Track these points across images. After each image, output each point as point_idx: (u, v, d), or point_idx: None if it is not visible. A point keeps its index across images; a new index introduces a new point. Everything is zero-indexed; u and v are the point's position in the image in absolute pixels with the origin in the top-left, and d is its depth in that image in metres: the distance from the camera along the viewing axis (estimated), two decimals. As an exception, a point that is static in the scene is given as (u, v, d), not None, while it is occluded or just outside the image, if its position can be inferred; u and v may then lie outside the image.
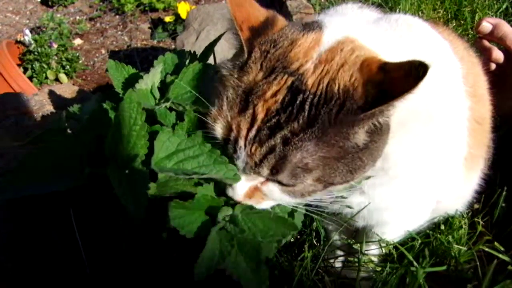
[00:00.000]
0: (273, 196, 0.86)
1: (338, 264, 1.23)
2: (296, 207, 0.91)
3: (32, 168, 0.78)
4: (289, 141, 0.76)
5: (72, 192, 0.77)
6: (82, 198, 0.78)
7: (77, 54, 2.62)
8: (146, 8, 3.07)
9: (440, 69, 0.94)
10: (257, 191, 0.86)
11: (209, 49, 1.00)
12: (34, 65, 2.43)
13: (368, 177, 0.93)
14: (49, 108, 1.36)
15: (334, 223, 1.23)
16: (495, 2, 2.35)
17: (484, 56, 1.46)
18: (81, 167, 0.74)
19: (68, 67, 2.49)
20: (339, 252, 1.26)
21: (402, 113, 0.81)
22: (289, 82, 0.78)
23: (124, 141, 0.75)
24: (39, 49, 2.46)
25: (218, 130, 0.82)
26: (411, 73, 0.70)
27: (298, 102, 0.77)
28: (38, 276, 0.84)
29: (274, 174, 0.79)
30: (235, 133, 0.80)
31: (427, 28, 1.01)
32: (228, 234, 0.82)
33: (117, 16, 3.13)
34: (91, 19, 3.13)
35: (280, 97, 0.78)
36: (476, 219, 1.31)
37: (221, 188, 0.85)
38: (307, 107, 0.76)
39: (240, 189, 0.85)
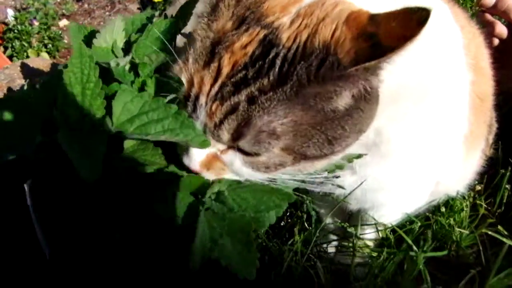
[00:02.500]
0: (233, 168, 0.75)
1: (331, 250, 1.16)
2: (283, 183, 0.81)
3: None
4: (256, 100, 0.66)
5: (26, 166, 0.68)
6: (37, 172, 0.69)
7: (60, 32, 2.52)
8: (136, -12, 2.98)
9: (438, 36, 0.86)
10: (216, 161, 0.75)
11: (186, 9, 0.89)
12: (14, 44, 2.33)
13: (359, 156, 0.84)
14: (20, 82, 1.27)
15: (326, 205, 1.17)
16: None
17: (487, 30, 1.39)
18: (34, 134, 0.65)
19: (50, 45, 2.39)
20: (332, 237, 1.19)
21: (394, 85, 0.73)
22: (261, 35, 0.69)
23: (77, 101, 0.66)
24: (19, 27, 2.35)
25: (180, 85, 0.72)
26: (412, 18, 0.61)
27: (270, 56, 0.67)
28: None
29: (235, 139, 0.69)
30: (196, 89, 0.70)
31: None
32: (216, 215, 0.73)
33: (105, -4, 3.05)
34: (78, 0, 3.04)
35: (250, 49, 0.68)
36: (478, 201, 1.24)
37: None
38: (278, 62, 0.66)
39: (197, 156, 0.74)
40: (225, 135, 0.69)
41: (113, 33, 0.81)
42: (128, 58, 0.82)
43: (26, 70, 1.33)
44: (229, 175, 0.78)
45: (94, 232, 0.70)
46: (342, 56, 0.64)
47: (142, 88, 0.77)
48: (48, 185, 0.69)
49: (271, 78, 0.66)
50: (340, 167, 0.83)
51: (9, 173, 0.68)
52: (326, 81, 0.65)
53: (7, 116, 0.68)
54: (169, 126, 0.69)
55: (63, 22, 2.83)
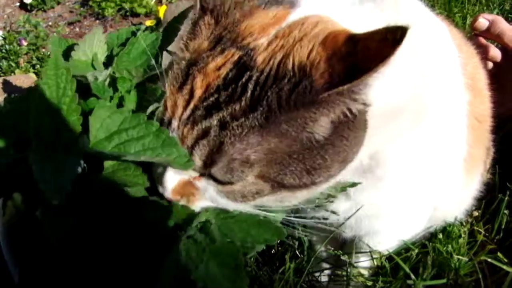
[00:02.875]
0: (206, 195, 0.71)
1: (324, 278, 1.11)
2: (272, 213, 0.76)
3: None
4: (227, 126, 0.62)
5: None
6: (9, 191, 0.64)
7: (49, 54, 2.48)
8: (128, 13, 2.96)
9: (435, 54, 0.83)
10: (188, 187, 0.71)
11: (173, 25, 0.85)
12: (1, 63, 2.29)
13: (353, 184, 0.80)
14: (0, 99, 1.22)
15: (318, 233, 1.12)
16: (485, 8, 2.31)
17: (481, 54, 1.38)
18: (6, 151, 0.60)
19: (38, 66, 2.35)
20: (325, 265, 1.14)
21: (389, 105, 0.69)
22: (236, 57, 0.65)
23: (51, 117, 0.61)
24: (7, 47, 2.32)
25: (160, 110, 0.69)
26: (386, 38, 0.56)
27: (243, 80, 0.63)
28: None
29: (207, 166, 0.65)
30: (170, 113, 0.67)
31: (422, 9, 0.89)
32: (197, 244, 0.68)
33: (97, 21, 3.02)
34: (70, 23, 3.01)
35: (223, 72, 0.64)
36: (476, 228, 1.20)
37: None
38: (251, 86, 0.62)
39: (170, 183, 0.70)
40: (197, 161, 0.65)
41: (93, 46, 0.77)
42: (107, 72, 0.78)
43: (8, 87, 1.29)
44: (203, 202, 0.73)
45: (67, 255, 0.64)
46: (316, 78, 0.60)
47: (120, 104, 0.72)
48: (18, 203, 0.64)
49: (242, 103, 0.62)
50: (332, 196, 0.79)
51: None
52: (298, 107, 0.61)
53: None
54: (149, 145, 0.65)
55: (53, 45, 2.81)
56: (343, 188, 0.79)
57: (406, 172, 0.85)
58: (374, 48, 0.57)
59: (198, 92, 0.64)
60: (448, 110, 0.87)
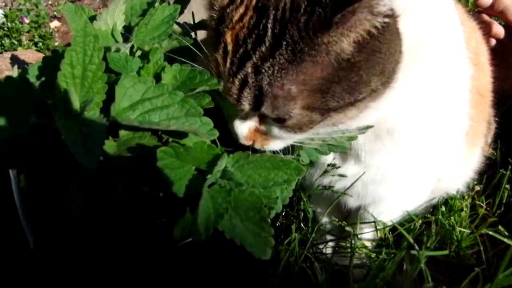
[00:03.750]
0: (273, 134, 0.76)
1: (328, 250, 1.13)
2: None
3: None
4: (260, 69, 0.66)
5: (15, 151, 0.64)
6: (26, 158, 0.65)
7: (51, 31, 2.47)
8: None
9: (441, 26, 0.84)
10: (258, 133, 0.77)
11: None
12: (3, 41, 2.28)
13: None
14: (8, 73, 1.22)
15: (323, 203, 1.14)
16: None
17: (484, 31, 1.38)
18: (27, 117, 0.61)
19: (40, 44, 2.34)
20: (330, 237, 1.16)
21: (411, 40, 0.71)
22: (254, 2, 0.68)
23: (77, 84, 0.62)
24: (9, 25, 2.31)
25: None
26: None
27: (264, 22, 0.66)
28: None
29: (256, 109, 0.69)
30: (215, 72, 0.71)
31: None
32: (222, 190, 0.69)
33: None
34: (71, 1, 2.99)
35: (246, 20, 0.67)
36: (477, 202, 1.22)
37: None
38: (270, 25, 0.65)
39: (239, 131, 0.76)
40: (246, 107, 0.70)
41: (114, 16, 0.78)
42: (130, 44, 0.79)
43: (16, 62, 1.29)
44: (275, 142, 0.78)
45: (83, 220, 0.66)
46: (326, 2, 0.62)
47: (156, 77, 0.73)
48: (37, 171, 0.65)
49: (267, 44, 0.65)
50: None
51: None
52: (317, 35, 0.63)
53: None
54: (174, 114, 0.66)
55: (54, 24, 2.79)
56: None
57: (417, 139, 0.88)
58: None
59: (230, 47, 0.68)
60: (452, 83, 0.88)
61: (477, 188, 1.25)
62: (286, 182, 0.71)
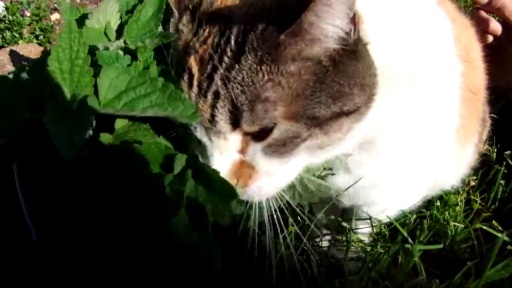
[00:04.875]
0: (260, 165, 0.72)
1: (325, 244, 1.14)
2: None
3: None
4: (229, 78, 0.66)
5: (14, 146, 0.66)
6: (25, 151, 0.67)
7: (52, 24, 2.48)
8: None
9: (425, 25, 0.85)
10: (243, 166, 0.72)
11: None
12: (4, 34, 2.28)
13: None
14: (9, 68, 1.24)
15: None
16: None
17: (481, 27, 1.39)
18: (22, 112, 0.63)
19: (41, 37, 2.35)
20: (326, 231, 1.17)
21: (384, 65, 0.73)
22: (217, 26, 0.70)
23: (66, 78, 0.64)
24: (10, 18, 2.32)
25: None
26: None
27: (226, 34, 0.68)
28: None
29: (235, 124, 0.67)
30: (188, 97, 0.71)
31: None
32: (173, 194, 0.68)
33: (98, -8, 3.01)
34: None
35: (210, 41, 0.69)
36: (472, 197, 1.24)
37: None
38: (233, 37, 0.67)
39: (220, 166, 0.71)
40: (224, 126, 0.68)
41: (106, 14, 0.79)
42: (120, 42, 0.80)
43: (16, 57, 1.30)
44: (261, 180, 0.74)
45: (82, 212, 0.68)
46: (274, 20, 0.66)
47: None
48: (36, 164, 0.67)
49: (229, 53, 0.66)
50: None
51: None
52: (272, 50, 0.65)
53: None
54: (156, 101, 0.67)
55: (55, 16, 2.79)
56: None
57: (402, 143, 0.88)
58: None
59: (195, 69, 0.69)
60: (440, 80, 0.88)
61: (473, 183, 1.27)
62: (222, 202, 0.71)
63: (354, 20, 0.66)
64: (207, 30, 0.70)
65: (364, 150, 0.84)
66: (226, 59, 0.66)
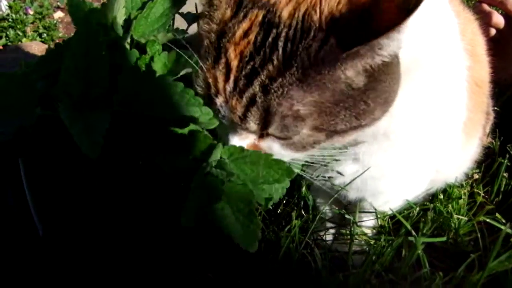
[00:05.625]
0: (273, 152, 0.75)
1: (329, 237, 1.15)
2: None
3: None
4: (269, 88, 0.65)
5: (22, 141, 0.66)
6: (33, 147, 0.67)
7: (55, 22, 2.49)
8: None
9: (435, 18, 0.85)
10: (256, 148, 0.75)
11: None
12: (8, 33, 2.29)
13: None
14: (14, 65, 1.24)
15: (323, 194, 1.16)
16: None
17: (484, 21, 1.39)
18: (32, 109, 0.63)
19: (45, 35, 2.36)
20: (330, 224, 1.18)
21: (407, 60, 0.72)
22: (260, 17, 0.66)
23: (80, 74, 0.64)
24: (14, 16, 2.32)
25: (199, 87, 0.71)
26: (402, 5, 0.58)
27: (270, 39, 0.64)
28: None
29: (263, 128, 0.69)
30: (213, 88, 0.69)
31: None
32: (215, 179, 0.71)
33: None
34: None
35: (252, 36, 0.66)
36: (476, 190, 1.24)
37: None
38: (281, 43, 0.64)
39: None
40: (253, 126, 0.69)
41: (113, 10, 0.79)
42: (127, 36, 0.80)
43: (21, 54, 1.31)
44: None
45: (89, 208, 0.68)
46: (338, 34, 0.62)
47: (149, 66, 0.75)
48: (44, 160, 0.68)
49: (275, 63, 0.64)
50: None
51: (5, 148, 0.66)
52: (325, 64, 0.63)
53: (4, 90, 0.66)
54: (174, 104, 0.68)
55: (58, 14, 2.80)
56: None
57: (414, 138, 0.89)
58: (389, 13, 0.59)
59: (234, 63, 0.66)
60: (449, 74, 0.89)
61: (476, 176, 1.27)
62: (276, 182, 0.75)
63: None
64: (248, 18, 0.67)
65: (375, 140, 0.85)
66: (270, 67, 0.65)
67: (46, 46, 1.49)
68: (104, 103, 0.64)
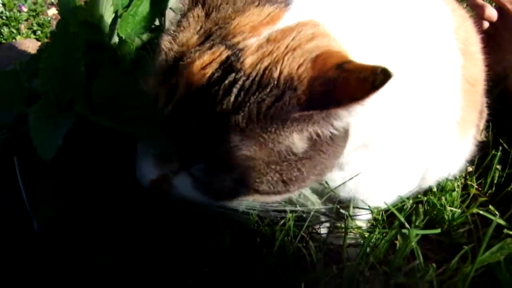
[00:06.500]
0: (184, 192, 0.72)
1: (323, 231, 1.15)
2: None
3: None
4: (207, 126, 0.62)
5: (15, 140, 0.67)
6: (25, 145, 0.67)
7: (49, 19, 2.48)
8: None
9: (429, 17, 0.85)
10: (166, 181, 0.72)
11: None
12: (2, 30, 2.29)
13: None
14: (7, 63, 1.24)
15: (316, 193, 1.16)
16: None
17: (477, 14, 1.40)
18: (22, 107, 0.64)
19: (39, 32, 2.35)
20: (324, 218, 1.19)
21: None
22: (223, 56, 0.64)
23: (57, 78, 0.64)
24: (7, 13, 2.32)
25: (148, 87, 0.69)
26: (367, 79, 0.55)
27: (227, 82, 0.62)
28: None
29: (187, 164, 0.67)
30: (154, 99, 0.67)
31: None
32: None
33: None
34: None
35: (209, 71, 0.63)
36: (469, 182, 1.25)
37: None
38: (235, 90, 0.62)
39: (147, 176, 0.71)
40: (177, 158, 0.67)
41: (99, 8, 0.79)
42: (114, 35, 0.80)
43: (15, 52, 1.31)
44: (178, 196, 0.74)
45: (80, 203, 0.69)
46: (296, 95, 0.60)
47: (128, 68, 0.75)
48: (36, 158, 0.68)
49: (224, 106, 0.62)
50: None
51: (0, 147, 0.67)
52: (274, 121, 0.62)
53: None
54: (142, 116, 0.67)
55: (52, 11, 2.79)
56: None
57: (398, 143, 0.87)
58: (354, 85, 0.56)
59: (181, 90, 0.64)
60: (441, 74, 0.88)
61: (470, 169, 1.28)
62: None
63: None
64: (212, 51, 0.64)
65: (355, 151, 0.82)
66: (217, 108, 0.62)
67: (39, 43, 1.49)
68: (73, 107, 0.63)
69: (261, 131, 0.62)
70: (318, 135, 0.64)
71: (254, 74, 0.62)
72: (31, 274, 0.78)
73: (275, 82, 0.61)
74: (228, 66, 0.63)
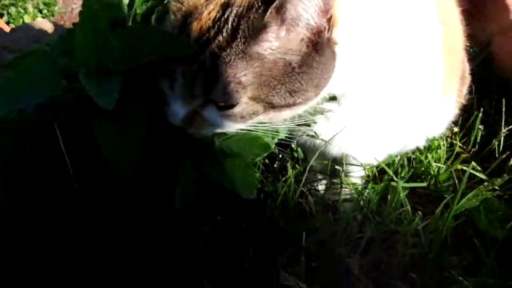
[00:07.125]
0: (213, 120, 0.84)
1: (321, 187, 1.25)
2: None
3: (8, 89, 0.77)
4: (217, 57, 0.76)
5: (54, 109, 0.78)
6: (64, 114, 0.79)
7: (54, -2, 2.55)
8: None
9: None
10: (197, 117, 0.84)
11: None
12: (10, 10, 2.36)
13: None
14: (25, 43, 1.33)
15: (310, 151, 1.24)
16: None
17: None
18: (57, 81, 0.75)
19: (45, 11, 2.43)
20: (321, 176, 1.29)
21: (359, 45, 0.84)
22: (222, 0, 0.78)
23: (92, 50, 0.76)
24: (14, -7, 2.39)
25: None
26: None
27: (225, 16, 0.77)
28: (25, 192, 0.87)
29: (207, 93, 0.79)
30: None
31: None
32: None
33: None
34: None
35: (213, 14, 0.78)
36: (454, 141, 1.35)
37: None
38: (230, 19, 0.76)
39: (179, 114, 0.83)
40: (198, 90, 0.79)
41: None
42: (131, 14, 0.90)
43: (32, 32, 1.40)
44: (208, 128, 0.87)
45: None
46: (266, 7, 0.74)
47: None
48: (74, 124, 0.79)
49: (224, 35, 0.76)
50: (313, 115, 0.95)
51: (43, 114, 0.78)
52: (261, 32, 0.75)
53: (31, 65, 0.78)
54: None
55: (56, -11, 2.84)
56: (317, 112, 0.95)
57: (382, 94, 0.97)
58: None
59: (193, 35, 0.78)
60: (421, 44, 0.97)
61: (455, 129, 1.38)
62: (256, 155, 0.90)
63: (330, 21, 0.78)
64: (215, 2, 0.78)
65: (338, 103, 0.95)
66: (220, 39, 0.76)
67: (52, 24, 1.57)
68: (112, 70, 0.76)
69: (256, 45, 0.76)
70: (307, 45, 0.78)
71: (244, 2, 0.76)
72: (70, 223, 0.90)
73: (258, 3, 0.75)
74: (226, 6, 0.77)
